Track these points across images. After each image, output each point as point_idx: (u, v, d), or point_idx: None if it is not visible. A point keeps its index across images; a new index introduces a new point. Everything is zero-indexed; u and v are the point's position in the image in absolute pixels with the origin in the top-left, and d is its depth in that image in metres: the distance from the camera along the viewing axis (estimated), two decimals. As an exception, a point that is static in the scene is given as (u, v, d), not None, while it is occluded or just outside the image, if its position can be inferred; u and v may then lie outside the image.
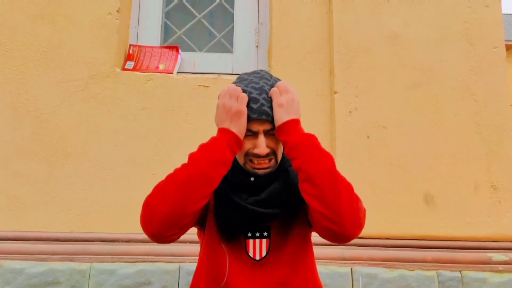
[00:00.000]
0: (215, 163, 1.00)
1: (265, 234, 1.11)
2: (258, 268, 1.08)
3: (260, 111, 1.08)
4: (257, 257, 1.09)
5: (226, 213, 1.09)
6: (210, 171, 0.99)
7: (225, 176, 1.09)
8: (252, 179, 1.11)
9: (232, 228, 1.10)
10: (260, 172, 1.10)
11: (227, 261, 1.09)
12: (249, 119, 1.07)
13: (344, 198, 0.95)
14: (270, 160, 1.09)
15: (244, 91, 1.09)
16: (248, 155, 1.09)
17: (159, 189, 1.00)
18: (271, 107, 1.08)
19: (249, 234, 1.11)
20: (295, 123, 1.06)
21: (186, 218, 0.98)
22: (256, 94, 1.09)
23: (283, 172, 1.13)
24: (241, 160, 1.12)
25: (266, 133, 1.09)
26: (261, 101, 1.08)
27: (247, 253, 1.10)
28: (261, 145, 1.07)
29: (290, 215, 1.14)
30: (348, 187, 0.98)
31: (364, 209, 1.02)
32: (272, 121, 1.08)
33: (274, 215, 1.09)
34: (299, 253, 1.13)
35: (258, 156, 1.08)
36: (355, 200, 0.98)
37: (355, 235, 0.97)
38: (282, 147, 1.13)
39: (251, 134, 1.09)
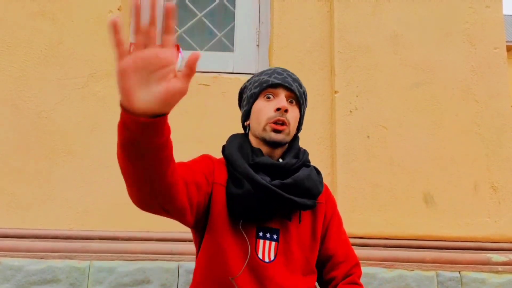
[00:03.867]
0: (118, 129, 0.85)
1: (275, 237, 1.10)
2: (266, 270, 1.07)
3: (284, 80, 1.16)
4: (266, 259, 1.08)
5: (245, 194, 1.06)
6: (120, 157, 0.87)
7: (247, 158, 1.12)
8: (278, 160, 1.14)
9: (249, 210, 1.06)
10: (278, 137, 1.12)
11: (249, 249, 1.07)
12: (272, 86, 1.15)
13: None
14: (284, 124, 1.13)
15: (267, 80, 1.17)
16: (269, 118, 1.13)
17: None
18: (293, 82, 1.16)
19: (260, 234, 1.09)
20: None
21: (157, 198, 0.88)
22: (281, 70, 1.19)
23: (306, 166, 1.15)
24: (261, 125, 1.14)
25: (287, 99, 1.16)
26: (285, 74, 1.17)
27: (257, 254, 1.08)
28: (283, 100, 1.13)
29: (302, 213, 1.14)
30: None
31: None
32: (293, 91, 1.15)
33: (295, 203, 1.07)
34: (307, 260, 1.13)
35: (279, 113, 1.11)
36: None
37: None
38: (297, 120, 1.19)
39: (272, 98, 1.15)
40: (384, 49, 2.05)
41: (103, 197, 1.88)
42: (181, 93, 0.70)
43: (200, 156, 1.20)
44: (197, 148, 1.95)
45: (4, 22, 2.01)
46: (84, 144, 1.92)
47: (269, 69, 1.21)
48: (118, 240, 1.83)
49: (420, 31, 2.07)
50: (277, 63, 2.04)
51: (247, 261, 1.06)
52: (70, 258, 1.79)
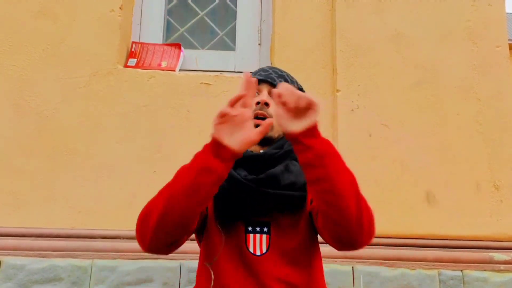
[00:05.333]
0: (196, 171, 0.93)
1: (265, 229, 1.10)
2: (259, 263, 1.07)
3: (267, 76, 1.19)
4: (257, 253, 1.08)
5: (224, 192, 1.06)
6: (190, 181, 0.92)
7: None
8: (259, 151, 1.14)
9: (230, 208, 1.09)
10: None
11: (223, 241, 1.08)
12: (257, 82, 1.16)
13: (364, 212, 0.97)
14: (264, 119, 1.12)
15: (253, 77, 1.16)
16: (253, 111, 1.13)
17: (150, 204, 0.98)
18: (277, 78, 1.19)
19: (250, 229, 1.10)
20: (317, 127, 1.02)
21: (178, 229, 0.96)
22: (268, 68, 1.24)
23: (286, 159, 1.14)
24: None
25: (270, 96, 1.17)
26: (270, 71, 1.21)
27: (247, 249, 1.09)
28: (263, 95, 1.17)
29: (289, 210, 1.12)
30: (365, 200, 1.01)
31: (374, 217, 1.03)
32: (276, 86, 1.13)
33: (273, 195, 1.07)
34: (301, 251, 1.12)
35: (259, 106, 1.13)
36: (371, 212, 1.01)
37: (368, 244, 1.00)
38: None
39: (257, 95, 1.18)
40: (385, 48, 2.04)
41: (105, 196, 1.88)
42: (253, 142, 0.94)
43: None
44: (199, 147, 1.94)
45: (6, 21, 2.01)
46: (86, 143, 1.92)
47: (259, 69, 1.26)
48: (120, 238, 1.83)
49: (421, 29, 2.06)
50: (279, 62, 2.04)
51: (219, 254, 1.07)
52: (72, 257, 1.79)
